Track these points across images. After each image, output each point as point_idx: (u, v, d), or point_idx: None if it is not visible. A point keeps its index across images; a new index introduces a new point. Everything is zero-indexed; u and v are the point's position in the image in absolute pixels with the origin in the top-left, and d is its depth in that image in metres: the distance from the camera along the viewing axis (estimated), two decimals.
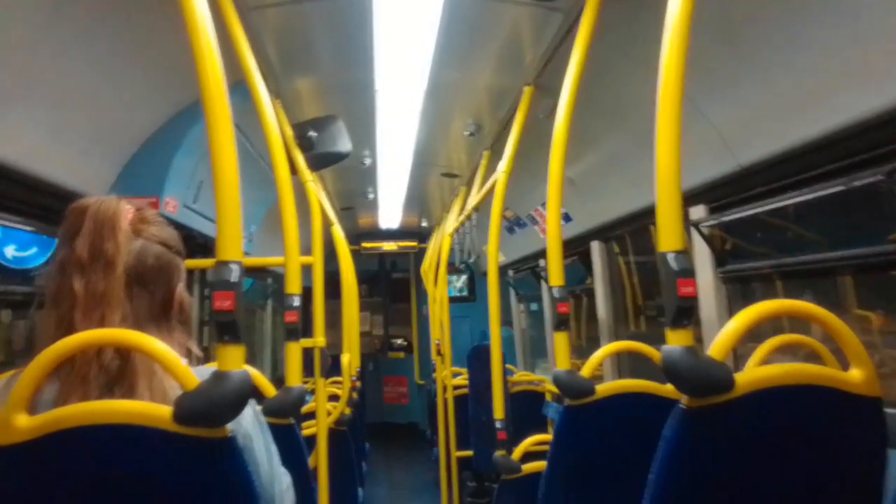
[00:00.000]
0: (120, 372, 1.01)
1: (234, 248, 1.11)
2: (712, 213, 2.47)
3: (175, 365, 0.98)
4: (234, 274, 1.08)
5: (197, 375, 1.00)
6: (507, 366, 4.18)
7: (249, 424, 1.12)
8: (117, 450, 0.98)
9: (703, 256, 2.53)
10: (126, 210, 1.07)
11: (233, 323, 1.07)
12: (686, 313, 1.11)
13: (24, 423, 0.95)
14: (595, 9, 1.88)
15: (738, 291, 2.58)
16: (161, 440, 0.96)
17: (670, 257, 1.12)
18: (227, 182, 1.12)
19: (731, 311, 2.51)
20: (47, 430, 0.95)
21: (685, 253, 1.13)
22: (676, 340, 1.11)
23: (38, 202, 2.11)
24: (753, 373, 1.13)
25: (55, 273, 1.02)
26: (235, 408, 1.02)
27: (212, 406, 0.98)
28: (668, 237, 1.14)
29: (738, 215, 2.32)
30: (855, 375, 1.13)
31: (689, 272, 1.11)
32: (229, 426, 1.02)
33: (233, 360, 1.06)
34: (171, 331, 1.12)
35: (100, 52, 1.98)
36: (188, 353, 1.13)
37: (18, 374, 1.00)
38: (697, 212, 2.51)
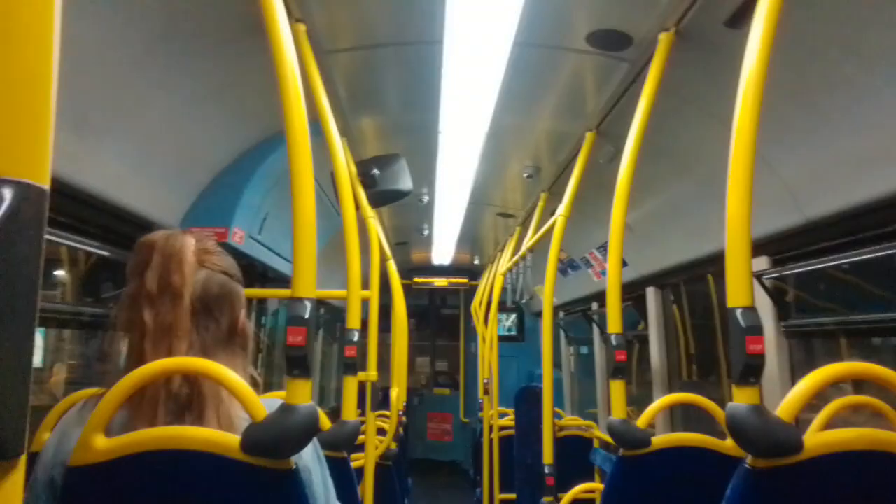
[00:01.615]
0: (188, 399, 1.05)
1: (309, 285, 1.15)
2: (775, 266, 2.42)
3: (246, 394, 1.02)
4: (308, 310, 1.12)
5: (265, 406, 1.04)
6: (556, 409, 4.12)
7: (309, 458, 1.15)
8: (186, 474, 1.01)
9: (764, 309, 2.48)
10: (190, 243, 1.11)
11: (304, 358, 1.10)
12: (754, 371, 1.09)
13: (103, 445, 1.00)
14: (662, 59, 1.90)
15: (800, 347, 2.51)
16: (228, 468, 1.00)
17: (739, 313, 1.12)
18: (305, 222, 1.17)
19: (793, 368, 2.43)
20: (123, 453, 0.99)
21: (753, 310, 1.12)
22: (743, 398, 1.09)
23: (118, 229, 2.22)
24: (823, 436, 1.10)
25: (126, 304, 1.07)
26: (302, 441, 1.04)
27: (279, 438, 1.01)
28: (736, 293, 1.14)
29: (802, 269, 2.27)
30: None
31: (757, 329, 1.10)
32: (292, 458, 1.05)
33: (301, 393, 1.09)
34: (235, 357, 1.15)
35: (185, 89, 2.10)
36: (252, 381, 1.17)
37: (93, 398, 1.05)
38: (760, 263, 2.46)
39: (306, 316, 1.11)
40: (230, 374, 1.02)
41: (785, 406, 1.07)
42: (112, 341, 1.11)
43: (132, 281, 1.07)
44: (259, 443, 1.00)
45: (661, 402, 1.94)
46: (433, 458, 8.67)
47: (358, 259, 2.15)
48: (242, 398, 1.02)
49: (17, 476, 0.46)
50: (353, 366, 2.13)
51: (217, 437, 1.01)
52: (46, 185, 0.46)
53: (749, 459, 1.08)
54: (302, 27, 1.98)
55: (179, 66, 1.99)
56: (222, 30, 1.96)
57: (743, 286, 1.14)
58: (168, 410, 1.03)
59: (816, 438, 1.08)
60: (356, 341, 2.16)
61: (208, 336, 1.10)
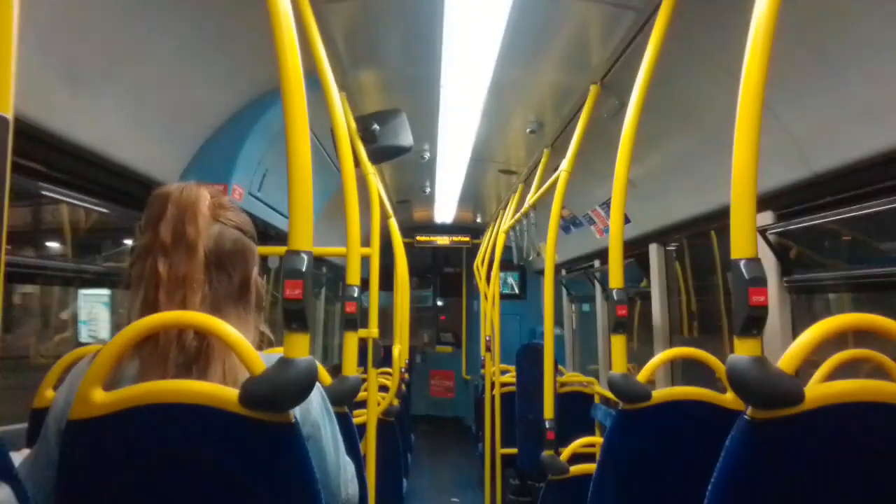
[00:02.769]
0: (197, 352, 1.05)
1: (305, 238, 1.13)
2: (780, 220, 2.39)
3: (244, 349, 1.01)
4: (305, 263, 1.11)
5: (264, 360, 1.04)
6: (557, 366, 4.16)
7: (318, 413, 1.15)
8: (185, 428, 1.01)
9: (767, 264, 2.46)
10: (205, 196, 1.11)
11: (301, 311, 1.09)
12: (756, 322, 1.08)
13: (101, 399, 1.00)
14: (670, 8, 1.84)
15: (803, 303, 2.51)
16: (227, 422, 1.00)
17: (742, 264, 1.10)
18: (301, 175, 1.15)
19: (795, 323, 2.43)
20: (121, 407, 1.00)
21: (757, 261, 1.11)
22: (744, 350, 1.08)
23: (116, 186, 2.20)
24: (824, 387, 1.10)
25: (140, 256, 1.07)
26: (300, 394, 1.04)
27: (276, 391, 1.01)
28: (740, 244, 1.12)
29: (807, 223, 2.25)
30: None
31: (761, 280, 1.09)
32: (297, 414, 1.05)
33: (299, 347, 1.08)
34: (248, 314, 1.16)
35: (180, 40, 2.05)
36: (262, 337, 1.16)
37: (97, 354, 1.05)
38: (764, 218, 2.44)
39: (303, 269, 1.10)
40: (227, 328, 1.01)
41: (787, 358, 1.06)
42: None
43: (146, 232, 1.07)
44: (257, 396, 1.00)
45: (661, 356, 1.95)
46: (436, 414, 8.82)
47: (357, 215, 2.13)
48: (240, 352, 1.01)
49: None
50: (354, 322, 2.13)
51: (215, 390, 1.01)
52: (9, 115, 0.44)
53: (749, 411, 1.08)
54: None
55: (174, 16, 1.94)
56: None
57: (747, 238, 1.12)
58: (177, 363, 1.04)
59: (817, 389, 1.07)
60: (356, 297, 2.16)
61: (220, 290, 1.11)
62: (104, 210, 2.23)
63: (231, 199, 2.58)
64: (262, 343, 1.19)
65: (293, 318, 1.09)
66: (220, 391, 1.01)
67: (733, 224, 1.13)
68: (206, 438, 1.02)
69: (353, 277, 2.15)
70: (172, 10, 1.92)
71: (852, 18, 1.66)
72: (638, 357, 4.43)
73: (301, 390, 1.04)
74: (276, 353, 1.10)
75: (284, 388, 1.01)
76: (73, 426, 1.00)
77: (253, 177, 2.79)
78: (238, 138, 2.58)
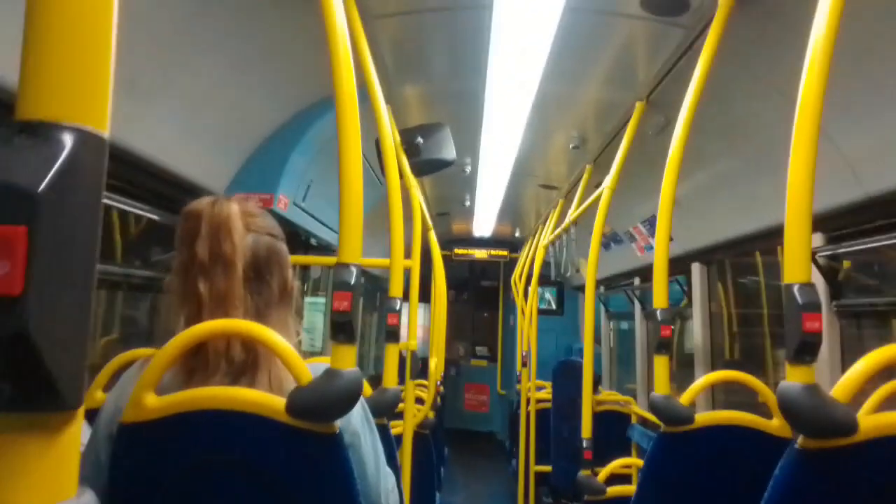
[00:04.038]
0: (243, 364, 1.06)
1: (355, 251, 1.15)
2: (830, 243, 2.33)
3: (292, 359, 1.03)
4: (354, 276, 1.12)
5: (311, 370, 1.05)
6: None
7: (358, 423, 1.16)
8: (232, 435, 1.03)
9: (817, 288, 2.40)
10: (236, 210, 1.11)
11: (349, 323, 1.11)
12: (810, 349, 1.06)
13: (153, 403, 1.02)
14: (721, 25, 1.82)
15: (853, 328, 2.43)
16: (273, 430, 1.01)
17: (796, 289, 1.08)
18: (352, 188, 1.17)
19: (844, 348, 2.36)
20: (172, 412, 1.02)
21: (811, 286, 1.08)
22: (797, 377, 1.06)
23: (167, 193, 2.26)
24: (878, 417, 1.06)
25: (179, 274, 1.08)
26: (346, 405, 1.05)
27: (323, 402, 1.02)
28: (794, 269, 1.10)
29: (859, 246, 2.19)
30: None
31: (815, 306, 1.06)
32: (338, 423, 1.06)
33: (346, 358, 1.10)
34: (287, 318, 1.16)
35: (232, 53, 2.11)
36: (299, 342, 1.17)
37: (150, 358, 1.07)
38: (814, 240, 2.38)
39: (352, 282, 1.12)
40: (277, 338, 1.03)
41: (841, 386, 1.03)
42: (163, 304, 1.13)
43: (183, 250, 1.08)
44: (304, 406, 1.01)
45: (706, 378, 1.90)
46: (470, 428, 8.76)
47: (401, 228, 2.15)
48: (288, 362, 1.03)
49: (76, 426, 0.47)
50: (396, 334, 2.13)
51: (263, 398, 1.03)
52: (106, 133, 0.45)
53: (800, 440, 1.05)
54: None
55: (227, 29, 1.99)
56: None
57: (801, 262, 1.10)
58: (224, 374, 1.06)
59: (871, 420, 1.04)
60: (398, 310, 2.16)
61: (261, 300, 1.11)
62: (154, 216, 2.29)
63: (276, 208, 2.65)
64: (299, 348, 1.20)
65: (340, 329, 1.10)
66: (267, 399, 1.03)
67: (787, 248, 1.11)
68: (252, 445, 1.04)
69: (396, 289, 2.15)
70: (225, 24, 1.97)
71: None
72: (676, 378, 4.35)
73: (347, 401, 1.06)
74: (316, 362, 1.11)
75: (331, 398, 1.03)
76: (125, 429, 1.03)
77: (298, 187, 2.84)
78: (285, 149, 2.63)
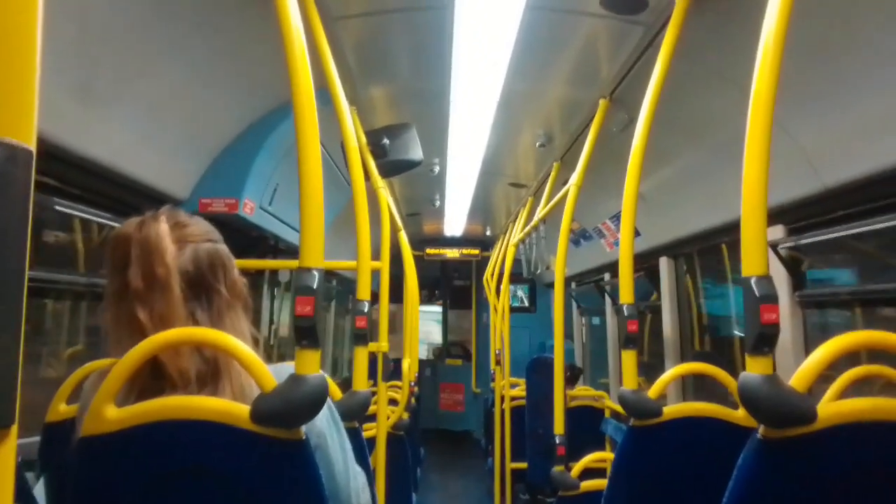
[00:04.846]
0: (205, 374, 1.05)
1: (317, 255, 1.14)
2: (791, 235, 2.38)
3: (254, 365, 1.01)
4: (316, 280, 1.11)
5: (274, 374, 1.04)
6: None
7: (324, 424, 1.15)
8: (196, 444, 1.02)
9: (779, 279, 2.44)
10: (164, 228, 1.08)
11: (312, 328, 1.10)
12: (768, 340, 1.07)
13: (113, 415, 1.00)
14: (679, 23, 1.84)
15: (815, 318, 2.48)
16: (238, 438, 1.00)
17: (753, 282, 1.09)
18: (312, 192, 1.15)
19: (808, 338, 2.41)
20: (134, 423, 1.00)
21: (768, 278, 1.10)
22: (756, 368, 1.07)
23: (129, 201, 2.21)
24: (837, 406, 1.08)
25: (114, 302, 1.05)
26: (311, 411, 1.04)
27: (288, 408, 1.01)
28: (751, 262, 1.11)
29: (819, 237, 2.24)
30: None
31: (772, 298, 1.08)
32: (303, 426, 1.05)
33: (310, 363, 1.09)
34: (241, 321, 1.14)
35: (192, 57, 2.07)
36: (256, 343, 1.15)
37: (109, 369, 1.05)
38: (775, 232, 2.42)
39: (314, 286, 1.11)
40: (237, 344, 1.01)
41: (799, 375, 1.05)
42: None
43: (115, 277, 1.05)
44: (268, 413, 1.00)
45: (672, 371, 1.93)
46: (446, 427, 8.77)
47: (367, 230, 2.14)
48: (251, 368, 1.01)
49: (9, 445, 0.46)
50: (364, 336, 2.12)
51: (227, 406, 1.01)
52: (32, 147, 0.44)
53: (761, 430, 1.06)
54: None
55: (186, 33, 1.97)
56: None
57: (758, 255, 1.12)
58: (186, 387, 1.03)
59: (830, 408, 1.06)
60: (366, 312, 2.15)
61: (212, 309, 1.09)
62: (117, 224, 2.24)
63: (242, 213, 2.62)
64: (258, 349, 1.17)
65: (304, 334, 1.09)
66: (231, 407, 1.01)
67: (744, 241, 1.12)
68: (217, 454, 1.02)
69: (364, 292, 2.14)
70: (184, 29, 1.94)
71: (863, 34, 1.65)
72: (649, 371, 4.41)
73: (312, 407, 1.04)
74: (282, 365, 1.10)
75: (295, 404, 1.02)
76: (85, 442, 1.01)
77: (264, 191, 2.81)
78: (249, 153, 2.60)
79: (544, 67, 2.67)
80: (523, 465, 4.54)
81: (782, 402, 1.03)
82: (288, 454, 1.03)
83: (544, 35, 2.34)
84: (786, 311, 2.40)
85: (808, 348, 2.40)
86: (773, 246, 2.40)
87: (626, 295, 1.94)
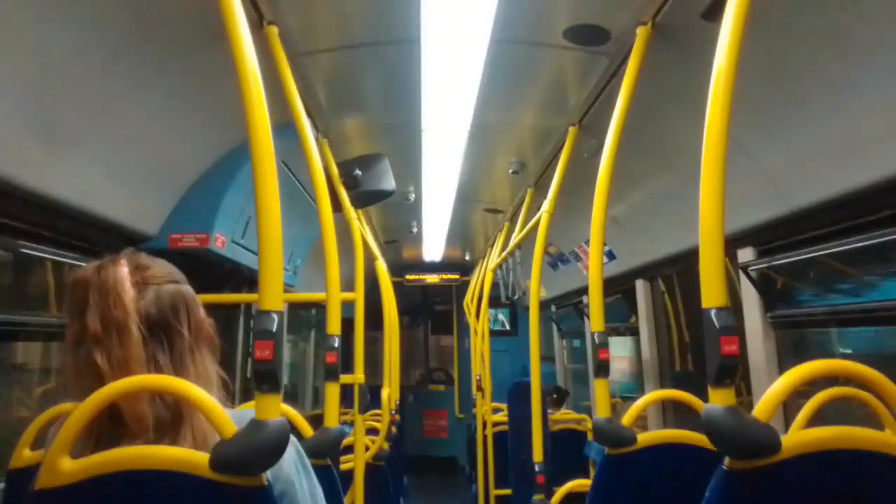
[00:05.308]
0: (165, 421, 1.02)
1: (275, 298, 1.12)
2: (761, 257, 2.41)
3: (213, 411, 0.99)
4: (275, 324, 1.10)
5: (237, 420, 1.02)
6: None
7: (291, 468, 1.12)
8: (154, 495, 0.99)
9: (751, 300, 2.47)
10: (123, 272, 1.06)
11: (272, 372, 1.08)
12: (728, 372, 1.08)
13: (68, 467, 0.97)
14: (640, 53, 1.88)
15: (790, 338, 2.50)
16: (197, 487, 0.97)
17: (713, 314, 1.10)
18: (271, 232, 1.14)
19: (781, 358, 2.43)
20: (89, 474, 0.97)
21: (728, 309, 1.11)
22: (719, 399, 1.08)
23: (98, 239, 2.19)
24: (800, 435, 1.09)
25: (73, 346, 1.03)
26: (271, 457, 1.02)
27: (247, 455, 0.98)
28: (711, 293, 1.12)
29: (788, 259, 2.26)
30: None
31: (732, 330, 1.09)
32: (269, 473, 1.03)
33: (270, 408, 1.07)
34: (206, 362, 1.11)
35: (158, 94, 2.07)
36: (224, 385, 1.13)
37: (65, 417, 1.02)
38: (745, 254, 2.45)
39: (273, 329, 1.09)
40: (195, 390, 0.99)
41: (761, 406, 1.06)
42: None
43: (74, 321, 1.03)
44: (228, 460, 0.98)
45: (645, 399, 1.92)
46: (430, 454, 8.67)
47: (336, 261, 2.12)
48: (210, 414, 0.99)
49: None
50: (335, 372, 2.10)
51: (185, 455, 0.99)
52: None
53: (727, 461, 1.06)
54: (274, 29, 1.96)
55: (149, 72, 1.96)
56: (192, 35, 1.93)
57: (717, 286, 1.12)
58: (146, 436, 1.01)
59: (794, 438, 1.06)
60: (336, 347, 2.12)
61: (174, 352, 1.07)
62: (82, 265, 2.22)
63: (213, 247, 2.60)
64: (227, 392, 1.15)
65: (264, 378, 1.08)
66: (190, 456, 0.99)
67: (703, 273, 1.13)
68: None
69: (334, 326, 2.11)
70: (148, 68, 1.94)
71: (822, 61, 1.69)
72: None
73: (273, 453, 1.02)
74: (245, 409, 1.08)
75: (256, 451, 0.99)
76: (40, 496, 0.98)
77: (236, 225, 2.79)
78: (219, 187, 2.59)
79: (513, 97, 2.70)
80: (508, 491, 4.49)
81: (745, 433, 1.03)
82: (250, 502, 1.01)
83: (511, 66, 2.37)
84: (758, 332, 2.42)
85: (782, 368, 2.41)
86: (744, 268, 2.43)
87: (597, 322, 1.94)
